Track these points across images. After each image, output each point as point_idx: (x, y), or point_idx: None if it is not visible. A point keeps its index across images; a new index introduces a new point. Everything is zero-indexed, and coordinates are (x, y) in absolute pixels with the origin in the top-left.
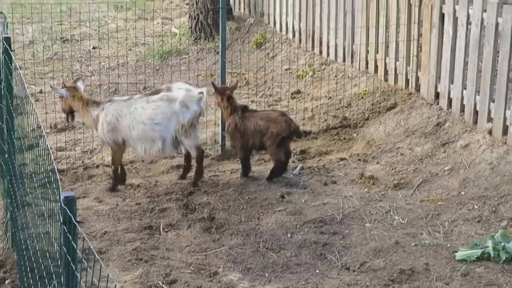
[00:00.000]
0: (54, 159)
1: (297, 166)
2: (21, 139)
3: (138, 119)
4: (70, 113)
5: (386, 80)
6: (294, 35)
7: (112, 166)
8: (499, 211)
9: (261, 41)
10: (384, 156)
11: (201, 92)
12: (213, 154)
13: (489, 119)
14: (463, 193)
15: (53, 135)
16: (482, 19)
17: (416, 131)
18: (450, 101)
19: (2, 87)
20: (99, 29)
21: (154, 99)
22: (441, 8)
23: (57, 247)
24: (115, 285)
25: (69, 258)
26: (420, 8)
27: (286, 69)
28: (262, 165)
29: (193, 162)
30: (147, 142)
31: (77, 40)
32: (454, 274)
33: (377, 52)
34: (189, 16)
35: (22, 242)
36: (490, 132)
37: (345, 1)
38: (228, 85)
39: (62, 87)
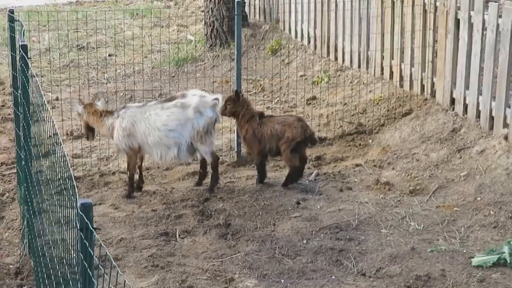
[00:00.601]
0: (71, 166)
1: (313, 172)
2: (38, 146)
3: (153, 125)
4: (89, 130)
5: (401, 86)
6: (309, 42)
7: (128, 173)
8: None
9: (277, 47)
10: (399, 162)
11: (216, 98)
12: (228, 161)
13: (505, 125)
14: (479, 198)
15: (69, 142)
16: (498, 25)
17: (431, 137)
18: (465, 106)
19: (19, 94)
20: (115, 37)
21: (169, 106)
22: (456, 14)
23: (74, 254)
24: None
25: (86, 264)
26: (435, 14)
27: (301, 76)
28: (277, 172)
29: (209, 169)
30: (163, 148)
31: (93, 48)
32: (471, 280)
33: (393, 58)
34: (205, 23)
35: (39, 249)
36: (506, 138)
37: (360, 8)
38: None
39: (80, 104)
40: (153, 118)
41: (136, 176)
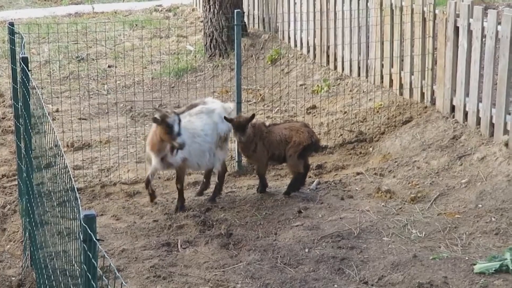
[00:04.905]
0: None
1: (314, 181)
2: (39, 158)
3: (192, 132)
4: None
5: (401, 94)
6: (308, 51)
7: (178, 186)
8: None
9: (276, 57)
10: (400, 170)
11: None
12: (229, 170)
13: (505, 132)
14: (480, 205)
15: (70, 153)
16: (497, 32)
17: (432, 145)
18: (465, 114)
19: (20, 106)
20: (115, 48)
21: (195, 112)
22: (455, 21)
23: (76, 265)
24: None
25: (90, 276)
26: (435, 22)
27: (301, 85)
28: (278, 181)
29: (213, 179)
30: (200, 154)
31: (93, 59)
32: (473, 287)
33: (392, 66)
34: (204, 34)
35: (41, 260)
36: (506, 145)
37: (360, 16)
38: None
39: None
40: (190, 126)
41: (152, 188)
